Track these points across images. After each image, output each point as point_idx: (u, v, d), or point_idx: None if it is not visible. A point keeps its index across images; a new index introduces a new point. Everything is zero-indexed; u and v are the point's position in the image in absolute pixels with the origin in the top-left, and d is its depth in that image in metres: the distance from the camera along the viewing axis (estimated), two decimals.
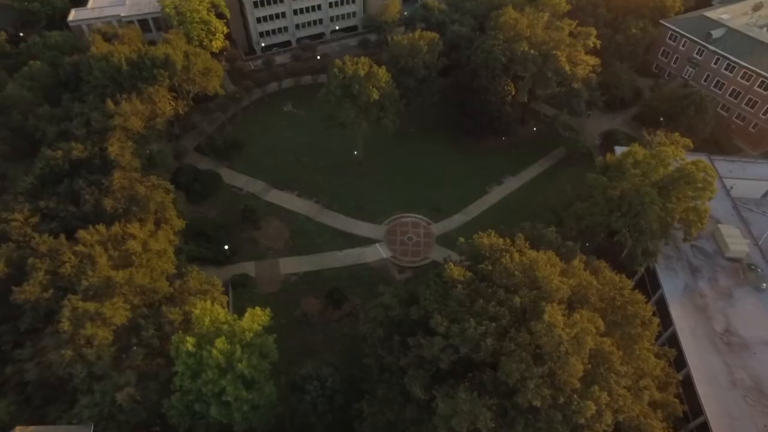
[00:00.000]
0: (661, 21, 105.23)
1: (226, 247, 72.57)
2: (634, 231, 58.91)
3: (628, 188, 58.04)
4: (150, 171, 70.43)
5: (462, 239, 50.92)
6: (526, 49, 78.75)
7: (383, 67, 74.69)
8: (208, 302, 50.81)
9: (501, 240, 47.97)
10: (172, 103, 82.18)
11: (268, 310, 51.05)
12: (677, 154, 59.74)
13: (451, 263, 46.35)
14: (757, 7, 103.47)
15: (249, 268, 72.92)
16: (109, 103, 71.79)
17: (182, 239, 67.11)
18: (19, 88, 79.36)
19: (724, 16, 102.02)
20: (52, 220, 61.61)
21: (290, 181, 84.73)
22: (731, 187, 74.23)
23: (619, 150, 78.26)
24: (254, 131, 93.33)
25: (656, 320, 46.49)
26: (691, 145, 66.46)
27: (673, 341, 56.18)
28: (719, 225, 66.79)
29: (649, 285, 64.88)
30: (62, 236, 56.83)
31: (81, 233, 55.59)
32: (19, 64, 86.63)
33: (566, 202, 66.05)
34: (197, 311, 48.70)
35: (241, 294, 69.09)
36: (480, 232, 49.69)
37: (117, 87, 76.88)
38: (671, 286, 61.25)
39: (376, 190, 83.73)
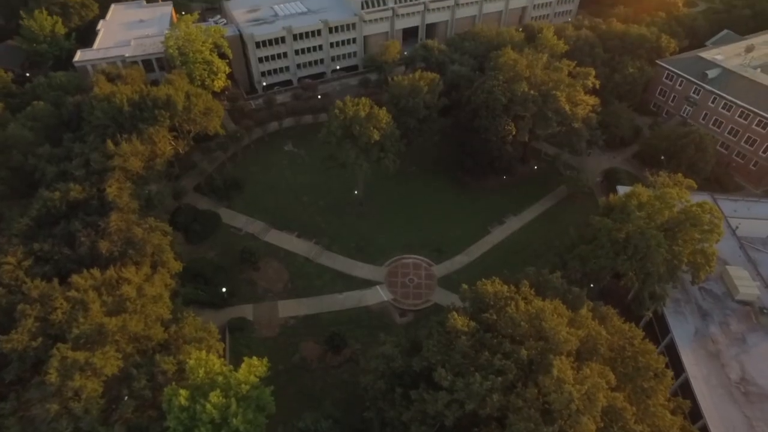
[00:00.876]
0: (657, 61, 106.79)
1: (224, 289, 71.03)
2: (641, 274, 57.74)
3: (633, 231, 57.02)
4: (148, 212, 69.55)
5: (465, 286, 49.48)
6: (526, 89, 79.29)
7: (384, 107, 74.99)
8: (203, 351, 49.02)
9: (505, 287, 46.60)
10: (173, 143, 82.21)
11: (265, 360, 49.17)
12: (682, 195, 59.09)
13: (454, 312, 44.89)
14: (749, 49, 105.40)
15: (247, 310, 71.12)
16: (109, 143, 71.73)
17: (179, 281, 65.67)
18: (21, 128, 79.58)
19: (719, 57, 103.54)
20: (46, 263, 60.36)
21: (290, 221, 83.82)
22: (737, 227, 73.27)
23: (622, 190, 77.92)
24: (254, 171, 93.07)
25: (670, 373, 44.65)
26: (695, 186, 65.92)
27: (686, 390, 54.05)
28: (727, 267, 65.50)
29: (657, 329, 63.11)
30: (55, 280, 55.45)
31: (74, 278, 54.22)
32: (24, 104, 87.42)
33: (570, 244, 64.90)
34: (192, 361, 46.85)
35: (238, 339, 67.04)
36: (483, 279, 48.33)
37: (118, 127, 77.08)
38: (681, 331, 59.46)
39: (377, 230, 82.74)
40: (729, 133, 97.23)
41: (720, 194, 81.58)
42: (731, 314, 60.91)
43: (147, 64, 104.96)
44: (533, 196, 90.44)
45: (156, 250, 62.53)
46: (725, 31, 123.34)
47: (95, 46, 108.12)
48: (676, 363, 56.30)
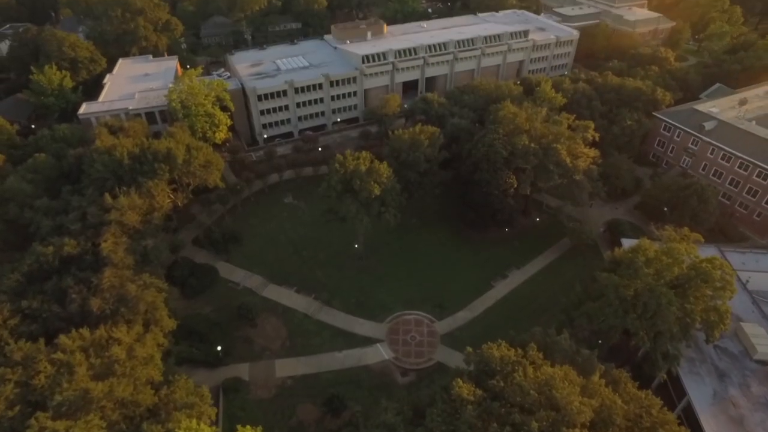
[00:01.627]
0: (654, 113, 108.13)
1: (219, 347, 68.32)
2: (652, 333, 55.38)
3: (642, 288, 55.19)
4: (144, 267, 68.00)
5: (469, 349, 47.20)
6: (527, 142, 79.46)
7: (384, 161, 74.85)
8: (194, 420, 46.11)
9: (512, 351, 44.32)
10: (171, 196, 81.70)
11: (259, 429, 46.17)
12: (690, 251, 57.63)
13: (459, 380, 42.35)
14: (742, 102, 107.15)
15: (243, 370, 68.11)
16: (107, 197, 71.08)
17: (173, 339, 63.22)
18: (20, 180, 79.20)
19: (714, 110, 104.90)
20: (34, 321, 58.19)
21: (289, 275, 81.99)
22: (747, 281, 71.35)
23: (627, 243, 76.62)
24: (254, 223, 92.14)
25: None
26: (702, 240, 64.61)
27: None
28: (742, 323, 63.13)
29: (672, 391, 59.98)
30: (41, 341, 53.05)
31: (62, 338, 51.87)
32: (27, 156, 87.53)
33: (576, 301, 62.90)
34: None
35: (232, 401, 63.80)
36: (489, 342, 46.08)
37: (117, 180, 76.78)
38: (698, 394, 56.42)
39: (378, 285, 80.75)
40: (730, 183, 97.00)
41: (727, 246, 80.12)
42: (751, 375, 58.02)
43: (150, 116, 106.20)
44: (536, 249, 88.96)
45: (149, 307, 60.50)
46: (717, 85, 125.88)
47: (100, 98, 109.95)
48: (695, 429, 53.04)
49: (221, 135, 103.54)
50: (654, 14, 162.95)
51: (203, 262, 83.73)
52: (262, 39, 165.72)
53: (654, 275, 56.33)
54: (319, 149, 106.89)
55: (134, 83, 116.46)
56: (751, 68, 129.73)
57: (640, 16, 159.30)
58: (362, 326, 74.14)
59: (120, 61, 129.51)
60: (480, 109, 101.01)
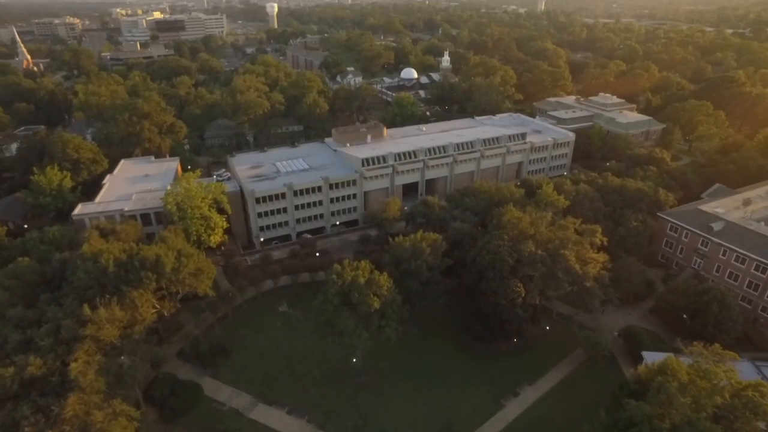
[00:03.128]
0: (658, 214, 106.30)
1: None
2: None
3: (680, 421, 48.44)
4: (117, 390, 61.18)
5: None
6: (533, 249, 75.98)
7: (384, 270, 70.72)
8: None
9: None
10: (157, 306, 76.54)
11: None
12: (730, 376, 51.49)
13: None
14: (746, 202, 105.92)
15: None
16: (86, 308, 66.06)
17: None
18: None
19: (719, 210, 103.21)
20: None
21: (280, 394, 74.23)
22: None
23: (649, 356, 70.70)
24: (245, 334, 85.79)
25: None
26: (738, 358, 58.63)
27: None
28: None
29: None
30: None
31: None
32: (12, 259, 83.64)
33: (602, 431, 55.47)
34: None
35: None
36: None
37: (100, 288, 72.23)
38: None
39: (378, 405, 72.76)
40: (748, 287, 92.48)
41: (762, 359, 73.53)
42: None
43: (145, 217, 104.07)
44: (548, 362, 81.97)
45: None
46: (717, 185, 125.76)
47: (97, 199, 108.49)
48: None
49: (216, 238, 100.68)
50: (644, 117, 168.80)
51: (187, 378, 76.41)
52: (264, 141, 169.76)
53: (692, 404, 49.77)
54: (317, 254, 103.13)
55: (133, 184, 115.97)
56: (746, 168, 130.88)
57: (631, 118, 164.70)
58: None
59: (122, 161, 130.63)
60: (482, 213, 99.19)
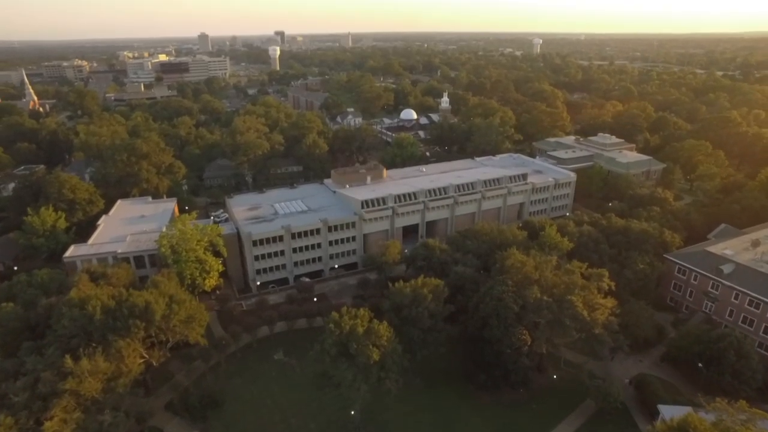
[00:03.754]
0: (665, 255, 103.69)
1: None
2: None
3: None
4: None
5: None
6: (539, 295, 73.06)
7: (384, 320, 67.55)
8: None
9: None
10: (145, 355, 72.90)
11: None
12: None
13: None
14: (755, 243, 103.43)
15: None
16: (68, 360, 62.65)
17: None
18: None
19: (728, 252, 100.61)
20: None
21: None
22: None
23: (666, 411, 66.71)
24: (237, 384, 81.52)
25: None
26: (766, 417, 54.61)
27: None
28: None
29: None
30: None
31: None
32: None
33: None
34: None
35: None
36: None
37: (86, 337, 68.90)
38: None
39: None
40: (765, 332, 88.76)
41: None
42: None
43: (139, 260, 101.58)
44: (557, 414, 77.42)
45: None
46: (723, 225, 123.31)
47: (90, 241, 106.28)
48: None
49: (211, 282, 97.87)
50: (645, 157, 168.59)
51: None
52: (263, 181, 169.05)
53: None
54: (315, 299, 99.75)
55: (129, 225, 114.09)
56: (751, 208, 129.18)
57: (631, 158, 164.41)
58: None
59: (119, 202, 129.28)
60: (484, 255, 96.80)
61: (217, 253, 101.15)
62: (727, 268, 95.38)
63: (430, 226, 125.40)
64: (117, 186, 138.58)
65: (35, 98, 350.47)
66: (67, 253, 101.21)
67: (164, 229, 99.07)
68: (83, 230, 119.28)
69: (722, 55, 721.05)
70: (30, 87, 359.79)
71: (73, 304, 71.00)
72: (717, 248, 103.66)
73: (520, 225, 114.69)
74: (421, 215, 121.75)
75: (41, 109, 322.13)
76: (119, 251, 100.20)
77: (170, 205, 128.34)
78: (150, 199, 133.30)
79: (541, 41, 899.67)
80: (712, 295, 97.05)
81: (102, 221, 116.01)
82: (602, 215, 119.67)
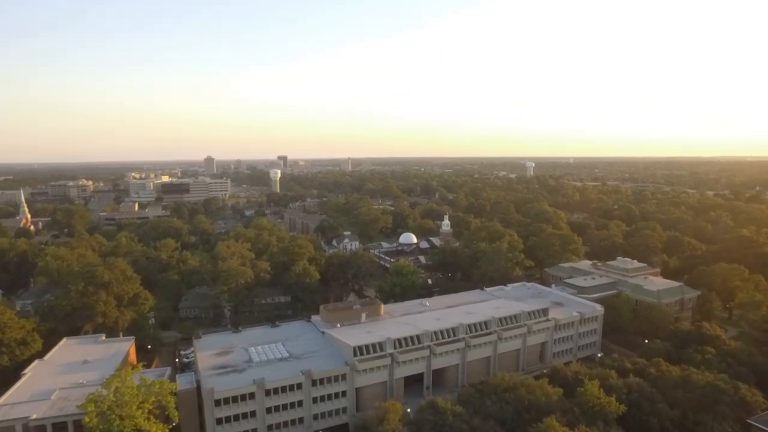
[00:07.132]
0: (749, 421, 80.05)
1: None
2: None
3: None
4: None
5: None
6: None
7: None
8: None
9: None
10: None
11: None
12: None
13: None
14: None
15: None
16: None
17: None
18: None
19: None
20: None
21: None
22: None
23: None
24: None
25: None
26: None
27: None
28: None
29: None
30: None
31: None
32: None
33: None
34: None
35: None
36: None
37: None
38: None
39: None
40: None
41: None
42: None
43: (60, 428, 77.69)
44: None
45: None
46: None
47: (1, 399, 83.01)
48: None
49: None
50: (674, 283, 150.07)
51: None
52: (245, 313, 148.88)
53: None
54: None
55: (64, 374, 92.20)
56: None
57: (660, 285, 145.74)
58: None
59: (63, 341, 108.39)
60: (509, 422, 74.30)
61: (167, 418, 78.15)
62: None
63: (438, 373, 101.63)
64: (67, 320, 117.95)
65: (28, 216, 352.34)
66: None
67: (98, 389, 76.81)
68: (8, 379, 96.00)
69: (707, 176, 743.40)
70: (25, 205, 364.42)
71: None
72: None
73: (547, 375, 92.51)
74: (426, 362, 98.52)
75: (32, 228, 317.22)
76: (33, 416, 76.92)
77: (125, 346, 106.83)
78: (103, 337, 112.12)
79: (533, 164, 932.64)
80: None
81: (31, 369, 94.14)
82: (648, 361, 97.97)
